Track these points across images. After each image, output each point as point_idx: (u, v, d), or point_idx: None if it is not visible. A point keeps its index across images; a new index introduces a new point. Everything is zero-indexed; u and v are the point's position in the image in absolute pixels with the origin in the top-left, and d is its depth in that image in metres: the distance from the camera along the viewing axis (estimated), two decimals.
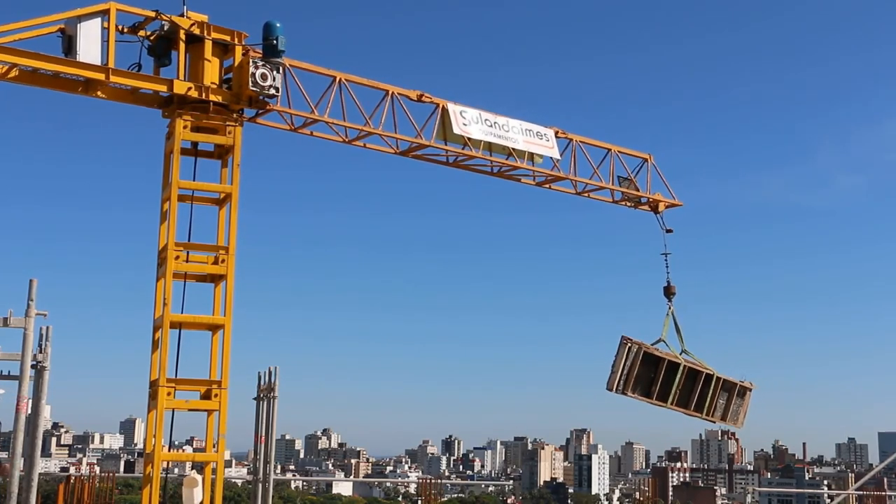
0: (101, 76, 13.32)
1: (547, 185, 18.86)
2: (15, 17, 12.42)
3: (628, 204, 19.98)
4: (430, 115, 16.73)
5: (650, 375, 18.69)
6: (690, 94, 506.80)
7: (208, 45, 14.30)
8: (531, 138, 17.78)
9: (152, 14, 13.93)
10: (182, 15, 14.12)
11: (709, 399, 19.64)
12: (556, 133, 18.25)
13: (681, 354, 19.78)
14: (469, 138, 16.95)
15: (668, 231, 19.84)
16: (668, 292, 19.65)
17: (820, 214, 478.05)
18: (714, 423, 20.30)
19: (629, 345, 17.86)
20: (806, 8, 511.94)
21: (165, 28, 13.97)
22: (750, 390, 20.92)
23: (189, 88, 14.03)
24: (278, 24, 14.73)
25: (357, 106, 15.93)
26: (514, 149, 17.68)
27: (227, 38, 14.55)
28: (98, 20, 13.32)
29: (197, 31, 14.19)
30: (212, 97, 14.29)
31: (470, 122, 16.87)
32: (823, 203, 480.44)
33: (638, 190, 19.61)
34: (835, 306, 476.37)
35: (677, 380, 18.79)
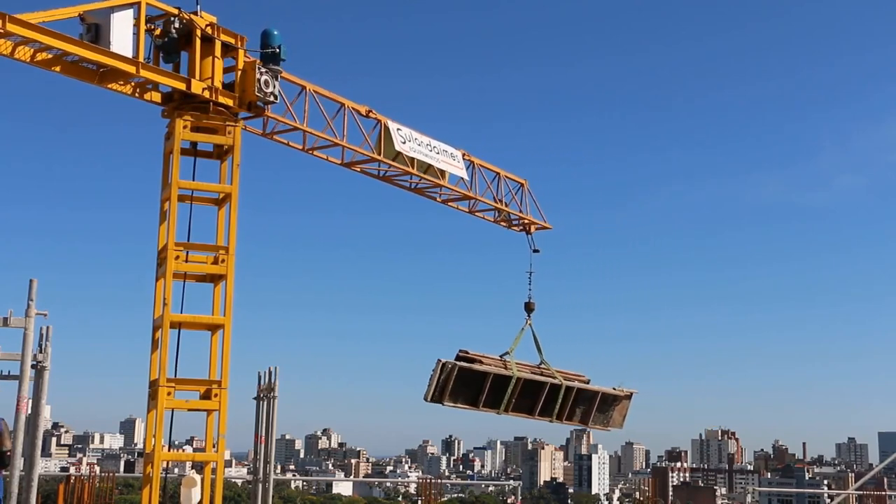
0: (132, 69, 13.26)
1: (452, 203, 19.84)
2: (34, 6, 12.35)
3: (503, 224, 21.04)
4: (372, 130, 17.22)
5: (477, 386, 19.04)
6: (690, 94, 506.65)
7: (218, 47, 14.32)
8: (446, 158, 18.66)
9: (175, 11, 13.92)
10: (196, 14, 14.10)
11: (559, 406, 20.03)
12: (464, 155, 19.19)
13: (539, 365, 20.31)
14: (406, 156, 17.68)
15: (536, 251, 20.98)
16: (528, 308, 20.45)
17: (820, 214, 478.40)
18: (578, 426, 20.80)
19: (443, 363, 18.44)
20: (806, 8, 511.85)
21: (178, 26, 13.93)
22: (620, 398, 21.10)
23: (204, 89, 14.04)
24: (276, 32, 14.83)
25: (325, 116, 16.21)
26: (438, 168, 18.44)
27: (232, 40, 14.56)
28: (130, 12, 13.29)
29: (209, 32, 14.19)
30: (220, 99, 14.31)
31: (406, 139, 17.62)
32: (824, 203, 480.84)
33: (517, 212, 20.72)
34: (835, 306, 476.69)
35: (509, 391, 19.19)
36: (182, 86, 13.93)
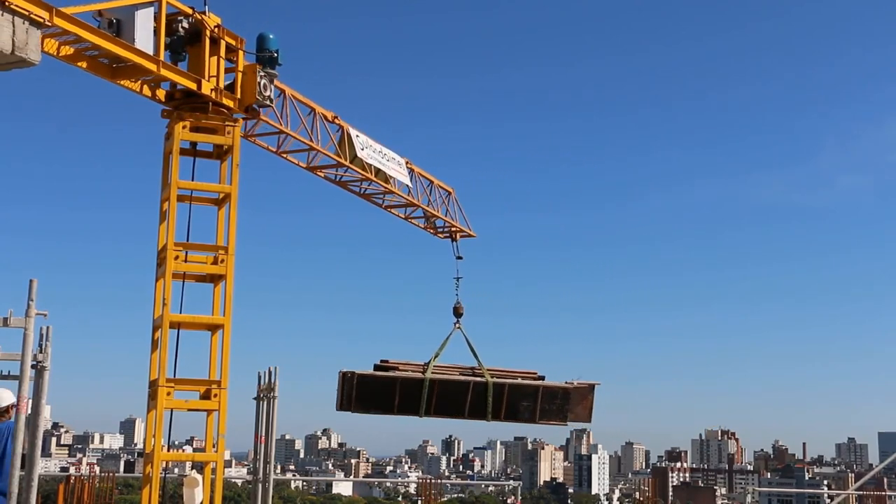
0: (154, 67, 13.16)
1: (393, 210, 20.06)
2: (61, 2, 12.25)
3: (430, 230, 21.41)
4: (335, 135, 17.34)
5: (391, 392, 19.19)
6: (690, 94, 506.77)
7: (223, 47, 14.31)
8: (394, 165, 18.90)
9: (190, 10, 13.87)
10: (204, 13, 14.07)
11: (491, 405, 19.89)
12: (406, 163, 19.47)
13: (474, 368, 20.23)
14: (365, 162, 17.90)
15: (459, 258, 21.42)
16: (457, 312, 20.65)
17: (821, 214, 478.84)
18: (527, 424, 20.75)
19: (341, 373, 18.73)
20: (806, 8, 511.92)
21: (186, 25, 13.89)
22: (570, 391, 20.83)
23: (211, 89, 14.02)
24: (272, 36, 14.85)
25: (302, 121, 16.28)
26: (389, 175, 18.63)
27: (234, 42, 14.55)
28: (151, 9, 13.20)
29: (217, 33, 14.17)
30: (224, 100, 14.31)
31: (363, 146, 17.86)
32: (825, 203, 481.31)
33: (450, 220, 21.10)
34: (835, 306, 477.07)
35: (424, 393, 19.32)
36: (194, 85, 13.91)
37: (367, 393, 18.86)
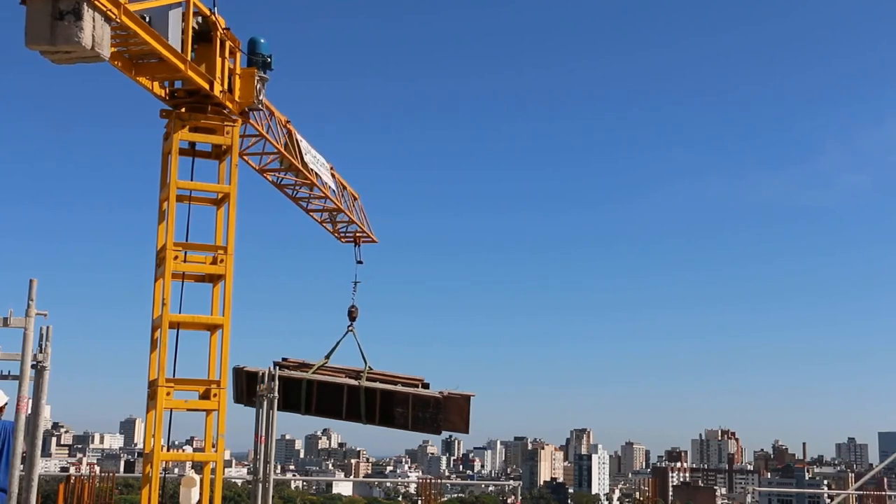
0: (182, 66, 13.08)
1: (313, 214, 20.22)
2: None
3: (337, 235, 21.63)
4: (284, 138, 17.41)
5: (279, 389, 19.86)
6: (691, 93, 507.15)
7: (227, 48, 14.33)
8: (324, 169, 19.05)
9: (207, 11, 13.85)
10: (213, 14, 14.06)
11: (365, 408, 20.08)
12: (331, 169, 19.60)
13: (365, 370, 20.45)
14: (309, 167, 18.05)
15: (359, 262, 21.78)
16: (351, 316, 20.94)
17: (822, 214, 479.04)
18: (406, 430, 20.93)
19: (235, 368, 19.31)
20: (808, 7, 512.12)
21: (194, 25, 13.86)
22: (442, 401, 20.73)
23: (220, 90, 14.03)
24: (263, 41, 14.92)
25: (270, 125, 16.42)
26: (324, 180, 18.79)
27: (234, 44, 14.56)
28: (180, 9, 13.14)
29: (224, 34, 14.18)
30: (227, 102, 14.33)
31: (306, 151, 17.98)
32: (826, 202, 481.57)
33: (361, 224, 21.34)
34: (836, 306, 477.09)
35: (303, 393, 19.82)
36: (207, 86, 13.91)
37: (256, 388, 19.34)
